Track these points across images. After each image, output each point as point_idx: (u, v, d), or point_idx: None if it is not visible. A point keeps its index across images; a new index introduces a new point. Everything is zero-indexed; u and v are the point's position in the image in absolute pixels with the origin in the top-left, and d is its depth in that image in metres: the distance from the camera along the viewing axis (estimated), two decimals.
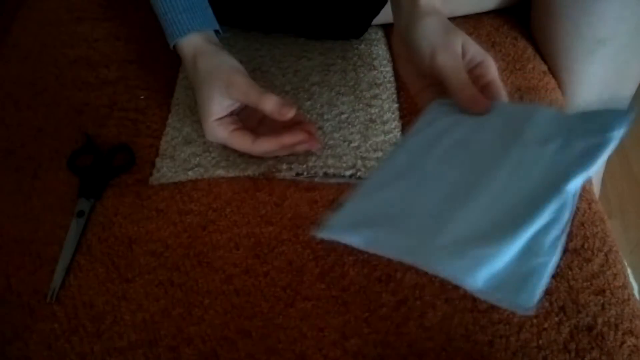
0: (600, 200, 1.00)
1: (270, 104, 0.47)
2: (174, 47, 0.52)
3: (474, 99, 0.42)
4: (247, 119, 0.51)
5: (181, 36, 0.50)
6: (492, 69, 0.44)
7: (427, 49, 0.44)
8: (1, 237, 0.49)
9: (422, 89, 0.48)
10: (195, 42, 0.51)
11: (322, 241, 0.44)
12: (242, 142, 0.50)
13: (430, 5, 0.46)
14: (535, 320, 0.42)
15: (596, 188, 0.78)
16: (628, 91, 0.63)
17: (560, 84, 0.60)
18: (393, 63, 0.60)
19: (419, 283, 0.43)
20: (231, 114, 0.50)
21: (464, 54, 0.44)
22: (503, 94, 0.44)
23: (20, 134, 0.56)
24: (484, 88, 0.44)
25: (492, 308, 0.42)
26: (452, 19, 0.62)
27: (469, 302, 0.43)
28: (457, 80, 0.42)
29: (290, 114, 0.47)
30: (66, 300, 0.44)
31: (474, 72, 0.44)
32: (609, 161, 1.01)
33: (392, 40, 0.50)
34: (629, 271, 0.91)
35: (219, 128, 0.49)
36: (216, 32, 0.54)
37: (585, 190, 0.51)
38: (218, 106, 0.49)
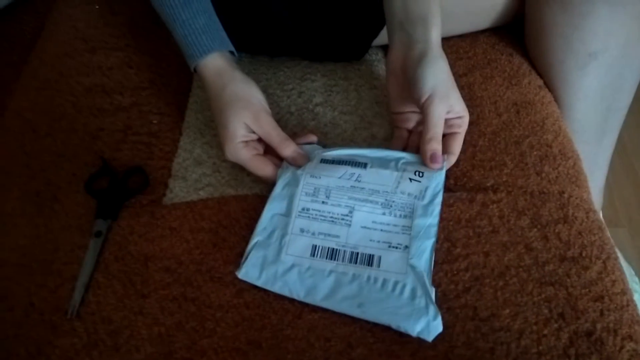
0: (607, 209, 1.02)
1: (288, 151, 0.52)
2: (195, 68, 0.54)
3: (435, 155, 0.49)
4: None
5: (202, 56, 0.53)
6: (465, 126, 0.52)
7: (428, 89, 0.49)
8: (24, 258, 0.51)
9: (400, 111, 0.55)
10: (218, 62, 0.54)
11: None
12: (263, 168, 0.52)
13: (440, 45, 0.51)
14: (535, 327, 0.43)
15: (597, 197, 0.79)
16: (623, 102, 0.64)
17: (556, 98, 0.62)
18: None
19: None
20: (256, 138, 0.53)
21: (453, 107, 0.50)
22: (458, 148, 0.52)
23: (40, 160, 0.59)
24: (450, 135, 0.52)
25: (494, 316, 0.44)
26: (449, 38, 0.65)
27: (470, 310, 0.44)
28: (433, 131, 0.49)
29: (303, 162, 0.52)
30: (86, 316, 0.47)
31: (451, 121, 0.51)
32: (614, 170, 1.02)
33: (389, 59, 0.53)
34: (637, 279, 0.92)
35: (243, 150, 0.52)
36: (230, 53, 0.57)
37: (583, 200, 0.53)
38: (245, 130, 0.51)
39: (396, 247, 0.46)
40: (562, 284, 0.45)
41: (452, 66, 0.62)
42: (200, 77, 0.55)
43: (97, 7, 0.74)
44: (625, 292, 0.46)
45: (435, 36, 0.50)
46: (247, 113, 0.51)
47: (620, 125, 0.69)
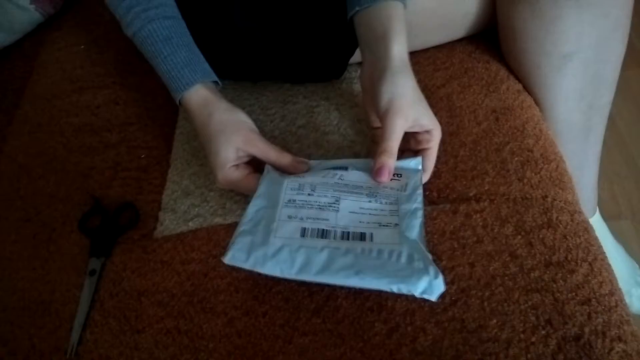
0: (609, 202, 1.01)
1: (288, 159, 0.54)
2: (180, 101, 0.56)
3: (381, 168, 0.49)
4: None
5: (186, 89, 0.55)
6: (436, 139, 0.52)
7: (385, 104, 0.49)
8: (23, 300, 0.53)
9: (377, 127, 0.54)
10: (202, 94, 0.55)
11: None
12: (256, 185, 0.53)
13: (403, 60, 0.51)
14: (522, 336, 0.43)
15: (590, 195, 0.79)
16: (605, 99, 0.65)
17: (536, 101, 0.62)
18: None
19: (409, 309, 0.46)
20: (246, 161, 0.54)
21: (418, 120, 0.50)
22: (431, 165, 0.52)
23: (35, 202, 0.61)
24: (422, 151, 0.52)
25: (481, 327, 0.44)
26: (426, 50, 0.66)
27: (458, 323, 0.44)
28: (386, 144, 0.49)
29: (304, 167, 0.54)
30: (84, 355, 0.48)
31: (420, 137, 0.52)
32: (614, 162, 1.01)
33: (361, 78, 0.55)
34: None
35: (235, 172, 0.53)
36: (215, 83, 0.58)
37: (567, 202, 0.53)
38: (235, 154, 0.53)
39: (386, 225, 0.46)
40: (549, 290, 0.46)
41: (430, 78, 0.63)
42: (185, 109, 0.56)
43: (82, 47, 0.76)
44: (614, 292, 0.46)
45: (397, 51, 0.51)
46: (237, 138, 0.53)
47: (606, 120, 0.69)
